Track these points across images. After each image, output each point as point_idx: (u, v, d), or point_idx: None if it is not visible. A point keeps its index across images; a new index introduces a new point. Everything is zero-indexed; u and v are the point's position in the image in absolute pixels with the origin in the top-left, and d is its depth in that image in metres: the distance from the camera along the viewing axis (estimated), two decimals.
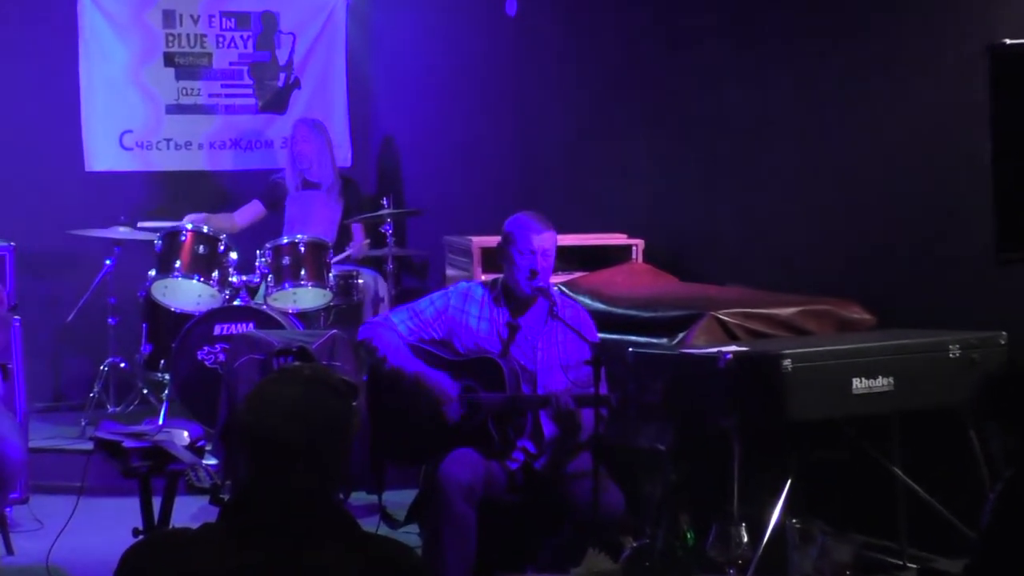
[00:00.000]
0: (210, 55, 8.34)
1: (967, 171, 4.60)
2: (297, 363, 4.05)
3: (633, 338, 4.79)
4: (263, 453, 2.33)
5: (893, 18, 4.96)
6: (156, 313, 6.94)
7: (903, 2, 4.96)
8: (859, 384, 3.97)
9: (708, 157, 5.96)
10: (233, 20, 8.36)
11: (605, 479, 4.28)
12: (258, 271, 6.90)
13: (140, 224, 7.31)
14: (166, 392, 6.86)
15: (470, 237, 6.24)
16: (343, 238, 7.56)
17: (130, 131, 8.16)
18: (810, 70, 5.31)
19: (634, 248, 6.15)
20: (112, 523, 5.24)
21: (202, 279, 6.83)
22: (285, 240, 6.91)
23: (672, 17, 6.21)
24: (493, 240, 4.88)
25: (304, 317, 6.91)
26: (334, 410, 2.39)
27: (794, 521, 3.68)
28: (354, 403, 2.45)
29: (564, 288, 5.36)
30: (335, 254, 7.08)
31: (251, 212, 7.76)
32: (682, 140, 6.14)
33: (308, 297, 6.89)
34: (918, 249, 4.84)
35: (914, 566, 4.34)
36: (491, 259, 5.79)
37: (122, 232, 7.03)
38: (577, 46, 6.91)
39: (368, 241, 7.58)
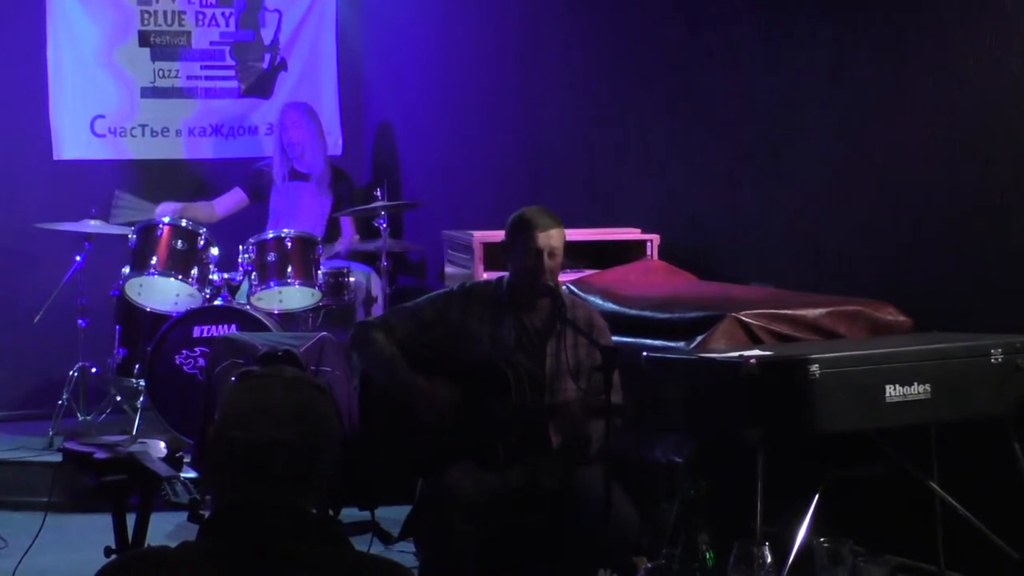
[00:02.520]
0: (189, 34, 8.35)
1: (1013, 161, 4.61)
2: (257, 367, 4.04)
3: (648, 341, 4.79)
4: (255, 466, 2.33)
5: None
6: (130, 314, 6.96)
7: None
8: (893, 392, 3.97)
9: (731, 146, 5.97)
10: None
11: (617, 495, 4.28)
12: (241, 268, 6.92)
13: (118, 195, 7.33)
14: (141, 400, 6.88)
15: (471, 232, 6.25)
16: (332, 233, 7.58)
17: (102, 116, 8.18)
18: (843, 53, 5.32)
19: (649, 244, 6.16)
20: (82, 541, 5.27)
21: (180, 277, 6.85)
22: (270, 235, 6.92)
23: None
24: (496, 235, 4.89)
25: (291, 318, 6.93)
26: (325, 412, 2.40)
27: (822, 541, 3.69)
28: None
29: (574, 287, 5.37)
30: (322, 249, 7.10)
31: (232, 200, 7.78)
32: (703, 127, 6.15)
33: (295, 296, 6.90)
34: (958, 245, 4.84)
35: None
36: (494, 255, 5.80)
37: (93, 226, 7.05)
38: (588, 24, 6.92)
39: (357, 236, 7.60)
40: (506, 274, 4.72)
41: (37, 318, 7.33)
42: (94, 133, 8.17)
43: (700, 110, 6.16)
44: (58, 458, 4.80)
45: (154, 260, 6.84)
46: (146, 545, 4.53)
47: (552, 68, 7.19)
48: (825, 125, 5.43)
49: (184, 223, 6.96)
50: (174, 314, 6.76)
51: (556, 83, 7.16)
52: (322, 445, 2.37)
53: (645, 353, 4.38)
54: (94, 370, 7.15)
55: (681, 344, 4.72)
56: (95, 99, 8.15)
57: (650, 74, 6.48)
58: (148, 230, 6.91)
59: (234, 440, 2.35)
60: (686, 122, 6.26)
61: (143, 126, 8.27)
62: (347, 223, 7.65)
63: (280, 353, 5.51)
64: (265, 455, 2.32)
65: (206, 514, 2.48)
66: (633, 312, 5.09)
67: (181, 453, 4.72)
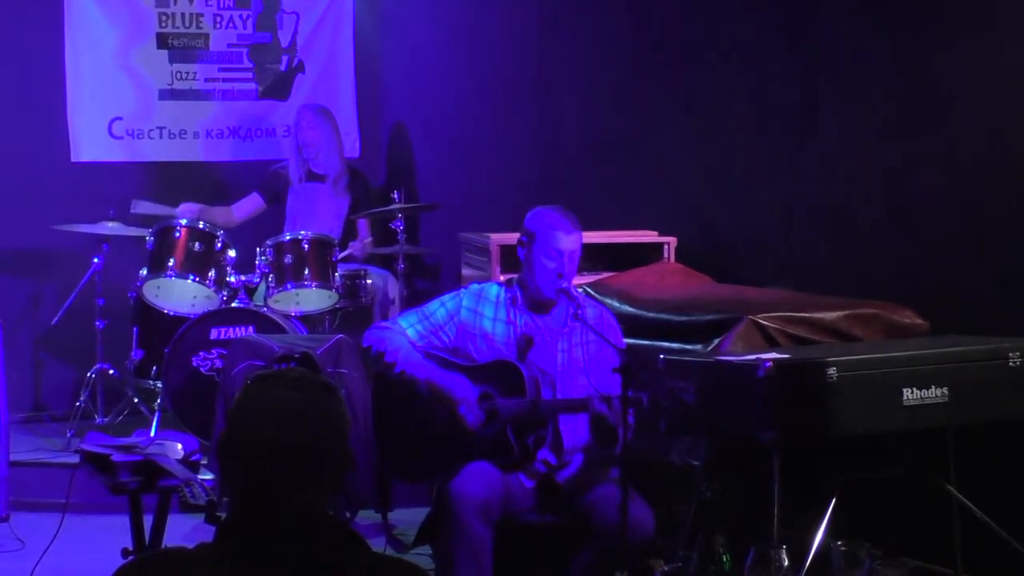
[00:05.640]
0: (207, 36, 8.37)
1: None
2: (272, 368, 4.05)
3: (664, 344, 4.79)
4: (264, 467, 2.34)
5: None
6: (148, 315, 6.97)
7: None
8: (910, 395, 3.97)
9: (747, 148, 5.96)
10: None
11: (634, 498, 4.28)
12: (258, 270, 6.93)
13: (135, 203, 7.35)
14: (158, 401, 6.89)
15: (488, 234, 6.26)
16: (349, 235, 7.59)
17: (120, 118, 8.20)
18: (861, 53, 5.31)
19: (666, 246, 6.16)
20: (100, 543, 5.29)
21: (198, 279, 6.85)
22: (287, 237, 6.93)
23: None
24: (513, 237, 4.89)
25: (308, 320, 6.93)
26: (332, 410, 2.40)
27: (839, 543, 3.69)
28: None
29: (590, 290, 5.37)
30: (339, 251, 7.10)
31: (250, 205, 7.79)
32: (719, 129, 6.14)
33: (312, 299, 6.91)
34: (976, 248, 4.83)
35: None
36: (511, 258, 5.80)
37: (111, 228, 7.06)
38: (605, 26, 6.92)
39: (371, 239, 7.60)
40: (517, 275, 4.72)
41: (55, 320, 7.36)
42: (112, 135, 8.19)
43: (716, 113, 6.16)
44: (76, 460, 4.80)
45: (171, 262, 6.84)
46: (163, 547, 4.54)
47: (568, 71, 7.19)
48: (841, 127, 5.42)
49: (201, 225, 6.97)
50: (192, 316, 6.76)
51: (572, 86, 7.16)
52: (329, 444, 2.37)
53: (662, 356, 4.38)
54: (112, 372, 7.16)
55: (698, 347, 4.72)
56: (113, 101, 8.17)
57: (666, 77, 6.48)
58: (165, 232, 6.91)
59: (242, 443, 2.36)
60: (703, 125, 6.26)
61: (161, 128, 8.28)
62: (364, 225, 7.66)
63: (297, 355, 5.53)
64: (271, 456, 2.33)
65: (223, 515, 2.49)
66: (650, 315, 5.09)
67: (197, 455, 4.72)
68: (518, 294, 4.67)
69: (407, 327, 4.69)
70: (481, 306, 4.68)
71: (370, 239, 7.62)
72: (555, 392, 4.59)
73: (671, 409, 4.20)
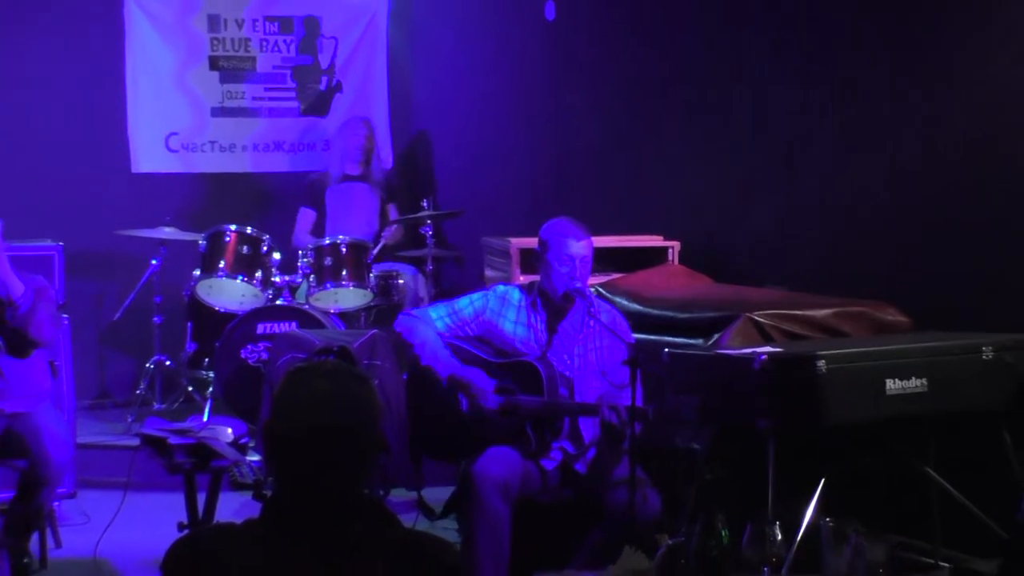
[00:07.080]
0: (254, 59, 8.40)
1: (1010, 171, 4.59)
2: (311, 361, 4.06)
3: (669, 339, 4.80)
4: (303, 450, 2.35)
5: (943, 15, 4.92)
6: (200, 312, 7.00)
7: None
8: (893, 385, 3.97)
9: (746, 158, 5.96)
10: (276, 24, 8.42)
11: (644, 484, 4.29)
12: (300, 271, 6.96)
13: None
14: (210, 389, 6.92)
15: (509, 238, 6.27)
16: (384, 226, 7.62)
17: (176, 133, 8.23)
18: (853, 68, 5.30)
19: (670, 250, 6.16)
20: (157, 517, 5.30)
21: (246, 279, 6.88)
22: (327, 241, 6.96)
23: (711, 15, 6.21)
24: (532, 241, 4.90)
25: (345, 317, 6.96)
26: (363, 397, 2.40)
27: (828, 520, 3.68)
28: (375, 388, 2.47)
29: (601, 289, 5.38)
30: (374, 252, 7.13)
31: (308, 222, 7.76)
32: (720, 140, 6.14)
33: (349, 297, 6.93)
34: (955, 251, 4.83)
35: (948, 565, 4.33)
36: (530, 260, 5.82)
37: (168, 232, 7.10)
38: (614, 47, 6.92)
39: (400, 225, 7.58)
40: (537, 279, 4.73)
41: (117, 316, 7.39)
42: (168, 149, 8.22)
43: (717, 123, 6.15)
44: (136, 442, 4.82)
45: (222, 264, 6.87)
46: (215, 522, 4.56)
47: (582, 87, 7.19)
48: (833, 136, 5.41)
49: (249, 230, 6.99)
50: (240, 312, 6.78)
51: (586, 101, 7.16)
52: (360, 428, 2.37)
53: (667, 350, 4.39)
54: (168, 363, 7.20)
55: (700, 342, 4.72)
56: (170, 118, 8.20)
57: (670, 91, 6.48)
58: (217, 236, 6.94)
59: (283, 428, 2.37)
60: (704, 135, 6.25)
61: (213, 142, 8.31)
62: (393, 211, 7.71)
63: (336, 348, 5.54)
64: (309, 440, 2.34)
65: (268, 493, 2.50)
66: (655, 312, 5.09)
67: (246, 439, 4.74)
68: (538, 298, 4.68)
69: (436, 318, 4.71)
70: (505, 308, 4.69)
71: (399, 224, 7.60)
72: (572, 392, 4.59)
73: (674, 422, 4.21)
